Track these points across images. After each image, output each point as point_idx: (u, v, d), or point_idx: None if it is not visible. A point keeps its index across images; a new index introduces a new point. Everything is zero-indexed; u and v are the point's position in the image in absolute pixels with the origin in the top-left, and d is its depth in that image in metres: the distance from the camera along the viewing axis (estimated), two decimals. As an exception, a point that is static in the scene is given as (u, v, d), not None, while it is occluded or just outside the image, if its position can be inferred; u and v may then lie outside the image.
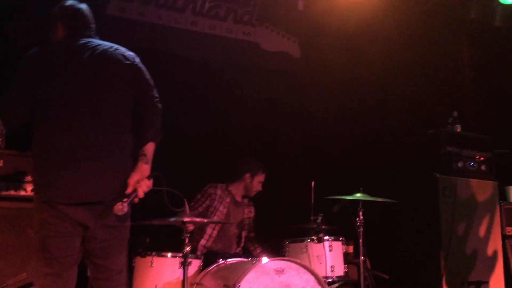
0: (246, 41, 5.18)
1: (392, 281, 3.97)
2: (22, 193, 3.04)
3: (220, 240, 4.12)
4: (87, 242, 2.36)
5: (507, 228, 4.39)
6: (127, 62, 2.47)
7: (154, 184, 2.43)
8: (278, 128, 5.24)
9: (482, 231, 4.23)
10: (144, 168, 2.39)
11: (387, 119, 5.30)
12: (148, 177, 2.39)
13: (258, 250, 4.26)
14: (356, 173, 4.91)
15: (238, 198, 4.30)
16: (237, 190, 4.27)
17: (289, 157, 5.18)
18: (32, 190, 2.41)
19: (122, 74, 2.44)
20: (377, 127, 5.28)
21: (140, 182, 2.34)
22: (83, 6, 2.60)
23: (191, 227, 3.61)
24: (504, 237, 4.37)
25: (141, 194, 2.35)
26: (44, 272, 2.28)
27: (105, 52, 2.45)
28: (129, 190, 2.32)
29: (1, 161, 3.03)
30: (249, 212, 4.36)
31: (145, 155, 2.41)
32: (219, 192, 4.16)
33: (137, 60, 2.52)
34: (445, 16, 5.51)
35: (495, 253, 4.24)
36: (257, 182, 4.26)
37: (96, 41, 2.51)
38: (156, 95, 2.51)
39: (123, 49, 2.51)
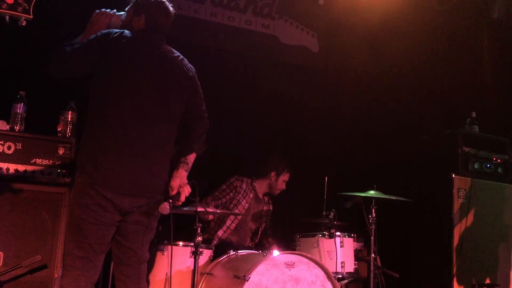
0: (265, 33, 5.16)
1: (402, 280, 3.95)
2: (39, 176, 3.08)
3: (236, 233, 4.14)
4: (123, 224, 2.43)
5: (522, 232, 4.34)
6: (190, 74, 2.61)
7: None
8: (294, 122, 5.22)
9: (495, 233, 4.19)
10: (184, 175, 2.55)
11: (405, 117, 5.26)
12: (187, 183, 2.56)
13: (273, 246, 4.27)
14: (371, 170, 4.89)
15: (260, 195, 4.31)
16: (260, 186, 4.29)
17: (304, 151, 5.17)
18: (76, 173, 2.44)
19: (184, 84, 2.57)
20: (395, 125, 5.24)
21: (183, 187, 2.51)
22: (172, 9, 2.67)
23: (210, 217, 3.66)
24: (519, 241, 4.32)
25: (183, 198, 2.52)
26: (76, 254, 2.34)
27: (174, 60, 2.58)
28: (173, 193, 2.48)
29: (20, 144, 3.06)
30: (268, 210, 4.37)
31: (187, 163, 2.57)
32: (244, 186, 4.18)
33: (195, 74, 2.66)
34: (467, 15, 5.43)
35: (508, 256, 4.20)
36: (281, 181, 4.27)
37: (166, 46, 2.62)
38: (205, 109, 2.67)
39: (186, 60, 2.64)
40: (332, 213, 3.81)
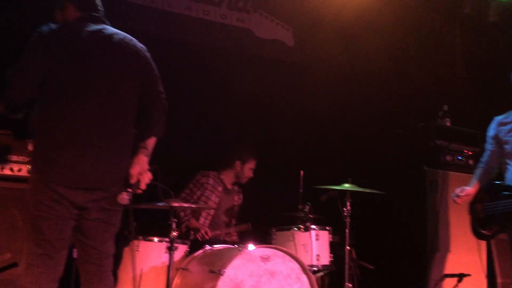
0: (240, 27, 5.14)
1: (377, 272, 4.01)
2: (8, 172, 3.01)
3: (211, 229, 4.13)
4: (81, 221, 2.36)
5: (492, 222, 4.43)
6: (141, 54, 2.49)
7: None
8: (270, 117, 5.22)
9: (467, 224, 4.27)
10: (144, 160, 2.44)
11: (379, 111, 5.31)
12: (148, 169, 2.45)
13: (234, 238, 4.27)
14: (346, 164, 4.93)
15: (229, 186, 4.30)
16: (228, 177, 4.27)
17: (280, 145, 5.18)
18: (30, 170, 2.36)
19: (136, 66, 2.46)
20: (369, 119, 5.29)
21: (143, 174, 2.41)
22: None
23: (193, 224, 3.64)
24: (489, 231, 4.40)
25: (143, 185, 2.42)
26: (36, 252, 2.27)
27: (120, 42, 2.45)
28: (133, 181, 2.38)
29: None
30: (238, 199, 4.37)
31: (146, 148, 2.46)
32: (211, 181, 4.16)
33: (148, 53, 2.54)
34: (441, 9, 5.50)
35: (479, 246, 4.29)
36: (248, 169, 4.27)
37: (110, 29, 2.50)
38: (163, 90, 2.55)
39: (135, 41, 2.53)
40: (308, 207, 3.82)
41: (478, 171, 3.55)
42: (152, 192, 2.68)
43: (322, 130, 5.31)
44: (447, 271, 4.04)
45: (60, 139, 2.29)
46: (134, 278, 3.33)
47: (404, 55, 5.42)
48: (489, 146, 3.51)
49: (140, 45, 2.52)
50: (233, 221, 4.32)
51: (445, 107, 4.55)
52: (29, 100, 2.35)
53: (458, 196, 3.51)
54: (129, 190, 2.33)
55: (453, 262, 4.12)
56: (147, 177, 2.42)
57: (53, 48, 2.35)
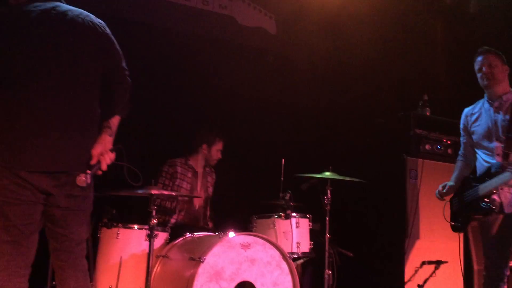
0: (222, 14, 5.10)
1: (355, 259, 4.06)
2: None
3: (188, 215, 4.12)
4: (49, 209, 2.31)
5: (469, 210, 4.51)
6: (99, 31, 2.40)
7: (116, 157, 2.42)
8: (251, 105, 5.21)
9: (445, 212, 4.33)
10: (107, 140, 2.37)
11: (360, 100, 5.34)
12: (111, 150, 2.38)
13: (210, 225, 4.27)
14: (326, 153, 4.96)
15: (199, 170, 4.26)
16: (196, 162, 4.24)
17: (261, 134, 5.18)
18: None
19: (93, 43, 2.37)
20: (349, 108, 5.32)
21: (104, 154, 2.33)
22: None
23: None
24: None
25: (104, 166, 2.34)
26: (4, 239, 2.22)
27: (76, 19, 2.35)
28: (93, 162, 2.31)
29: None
30: (211, 180, 4.37)
31: (110, 127, 2.39)
32: (179, 169, 4.12)
33: (107, 29, 2.45)
34: (423, 0, 5.53)
35: (456, 234, 4.36)
36: (215, 151, 4.25)
37: (65, 6, 2.41)
38: (126, 67, 2.46)
39: (92, 17, 2.43)
40: (288, 195, 3.83)
41: (458, 164, 3.60)
42: (118, 174, 2.61)
43: (303, 118, 5.33)
44: (425, 258, 4.10)
45: (18, 123, 2.23)
46: (113, 266, 3.31)
47: (386, 45, 5.44)
48: (462, 138, 3.57)
49: (98, 20, 2.44)
50: (209, 204, 4.29)
51: (425, 97, 4.60)
52: None
53: (440, 193, 3.55)
54: (88, 171, 2.26)
55: (431, 249, 4.19)
56: (108, 158, 2.34)
57: (4, 28, 2.27)
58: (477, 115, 3.41)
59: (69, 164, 2.29)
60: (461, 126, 3.54)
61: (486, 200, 3.13)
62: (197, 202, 4.21)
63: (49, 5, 2.36)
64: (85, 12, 2.42)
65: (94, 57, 2.37)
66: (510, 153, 3.14)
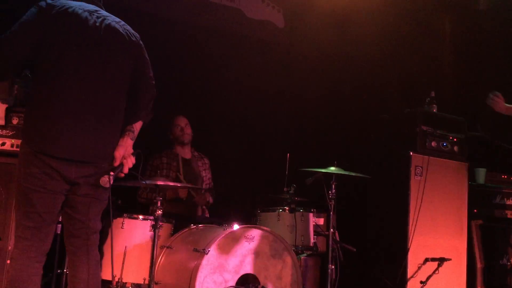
0: (230, 7, 5.09)
1: (359, 254, 4.06)
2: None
3: (175, 203, 4.11)
4: (71, 197, 2.39)
5: (474, 208, 4.51)
6: (133, 39, 2.54)
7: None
8: (258, 98, 5.21)
9: (449, 210, 4.33)
10: (129, 144, 2.49)
11: (366, 95, 5.33)
12: (132, 154, 2.49)
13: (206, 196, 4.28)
14: (332, 148, 4.95)
15: (186, 156, 4.27)
16: (178, 149, 4.26)
17: (267, 128, 5.18)
18: (20, 143, 2.40)
19: (127, 49, 2.50)
20: (356, 103, 5.30)
21: (126, 157, 2.44)
22: None
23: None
24: (470, 216, 4.48)
25: (126, 169, 2.45)
26: (25, 224, 2.30)
27: (115, 25, 2.49)
28: (116, 164, 2.42)
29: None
30: (202, 164, 4.35)
31: (133, 131, 2.51)
32: (164, 159, 4.15)
33: (141, 41, 2.60)
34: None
35: (460, 231, 4.36)
36: (176, 128, 4.25)
37: (104, 12, 2.54)
38: (152, 76, 2.60)
39: (128, 26, 2.57)
40: (293, 189, 3.84)
41: None
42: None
43: (309, 113, 5.33)
44: (428, 255, 4.10)
45: (53, 111, 2.31)
46: (118, 255, 3.33)
47: (393, 41, 5.42)
48: None
49: (133, 31, 2.58)
50: (204, 186, 4.30)
51: (432, 93, 4.57)
52: (20, 62, 2.36)
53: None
54: (112, 173, 2.36)
55: (434, 246, 4.18)
56: (130, 161, 2.46)
57: (49, 20, 2.36)
58: None
59: (97, 156, 2.39)
60: None
61: None
62: (182, 191, 4.16)
63: (92, 7, 2.49)
64: (122, 21, 2.57)
65: (125, 63, 2.50)
66: None
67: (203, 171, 4.34)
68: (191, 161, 4.29)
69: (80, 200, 2.39)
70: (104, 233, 3.42)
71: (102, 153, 2.40)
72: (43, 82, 2.34)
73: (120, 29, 2.50)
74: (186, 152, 4.27)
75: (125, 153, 2.45)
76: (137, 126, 2.55)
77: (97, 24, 2.43)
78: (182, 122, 4.29)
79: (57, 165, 2.29)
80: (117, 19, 2.54)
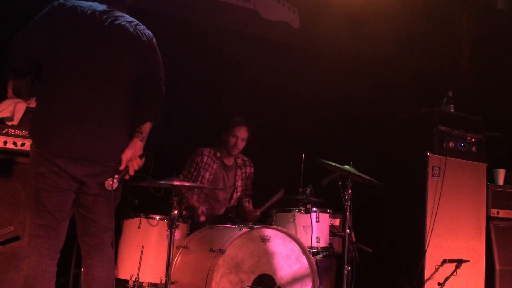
0: (246, 8, 5.10)
1: (375, 255, 4.03)
2: (11, 146, 3.03)
3: (207, 203, 4.13)
4: (81, 196, 2.42)
5: (492, 209, 4.45)
6: (144, 39, 2.53)
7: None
8: (273, 99, 5.21)
9: (467, 211, 4.28)
10: (138, 145, 2.49)
11: (384, 95, 5.29)
12: (140, 156, 2.48)
13: (246, 203, 4.26)
14: (348, 148, 4.93)
15: (228, 162, 4.24)
16: (223, 153, 4.21)
17: (283, 128, 5.18)
18: (31, 143, 2.43)
19: (138, 49, 2.51)
20: (372, 103, 5.27)
21: (132, 160, 2.44)
22: None
23: (202, 219, 3.69)
24: (489, 218, 4.43)
25: (132, 172, 2.45)
26: (37, 223, 2.34)
27: (125, 24, 2.49)
28: (121, 167, 2.42)
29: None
30: (243, 173, 4.30)
31: (142, 132, 2.51)
32: (205, 158, 4.12)
33: (154, 40, 2.59)
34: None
35: (478, 233, 4.31)
36: (231, 137, 4.10)
37: (118, 12, 2.54)
38: (163, 77, 2.59)
39: (142, 26, 2.57)
40: (309, 189, 3.83)
41: None
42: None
43: (325, 113, 5.31)
44: (446, 256, 4.05)
45: (56, 110, 2.33)
46: (135, 255, 3.36)
47: (410, 40, 5.38)
48: None
49: (147, 31, 2.57)
50: (235, 195, 4.25)
51: (450, 93, 4.53)
52: (33, 61, 2.39)
53: None
54: (116, 176, 2.37)
55: (453, 248, 4.14)
56: (136, 164, 2.46)
57: (59, 20, 2.39)
58: None
59: (102, 155, 2.39)
60: None
61: None
62: (221, 195, 4.21)
63: (103, 8, 2.50)
64: (136, 21, 2.56)
65: (138, 61, 2.50)
66: None
67: (239, 181, 4.28)
68: (230, 169, 4.26)
69: (91, 200, 2.42)
70: (120, 233, 3.46)
71: (106, 151, 2.41)
72: (48, 81, 2.37)
73: (131, 29, 2.50)
74: (227, 157, 4.22)
75: (132, 155, 2.45)
76: (146, 127, 2.54)
77: (106, 24, 2.44)
78: (242, 134, 4.10)
79: (63, 164, 2.31)
80: (130, 19, 2.54)
